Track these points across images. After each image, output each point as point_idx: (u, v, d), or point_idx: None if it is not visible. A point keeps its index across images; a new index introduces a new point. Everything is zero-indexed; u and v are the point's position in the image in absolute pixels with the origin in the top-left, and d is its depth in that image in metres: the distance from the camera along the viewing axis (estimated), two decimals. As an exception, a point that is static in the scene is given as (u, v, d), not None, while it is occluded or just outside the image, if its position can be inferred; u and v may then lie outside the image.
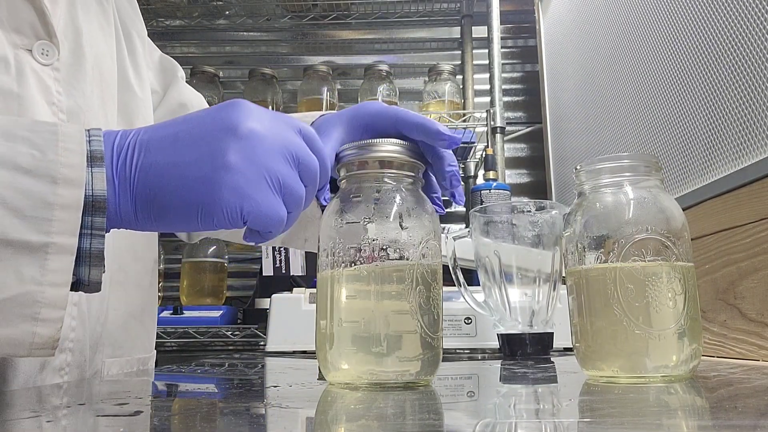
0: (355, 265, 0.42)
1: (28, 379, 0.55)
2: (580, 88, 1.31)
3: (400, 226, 0.42)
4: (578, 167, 0.50)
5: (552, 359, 0.71)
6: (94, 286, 0.41)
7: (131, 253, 0.68)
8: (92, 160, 0.39)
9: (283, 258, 1.41)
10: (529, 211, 0.75)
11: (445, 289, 0.90)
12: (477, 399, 0.44)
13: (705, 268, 0.72)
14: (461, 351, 0.85)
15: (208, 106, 0.75)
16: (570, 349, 0.54)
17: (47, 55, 0.55)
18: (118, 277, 0.66)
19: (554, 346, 0.75)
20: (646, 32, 0.96)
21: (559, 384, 0.50)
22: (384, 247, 0.42)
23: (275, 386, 0.50)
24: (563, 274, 0.66)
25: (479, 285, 0.79)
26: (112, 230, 0.42)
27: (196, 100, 0.80)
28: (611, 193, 0.48)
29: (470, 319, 0.85)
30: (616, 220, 0.46)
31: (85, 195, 0.38)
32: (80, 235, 0.39)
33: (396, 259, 0.42)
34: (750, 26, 0.68)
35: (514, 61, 1.78)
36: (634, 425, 0.29)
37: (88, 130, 0.41)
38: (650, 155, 0.49)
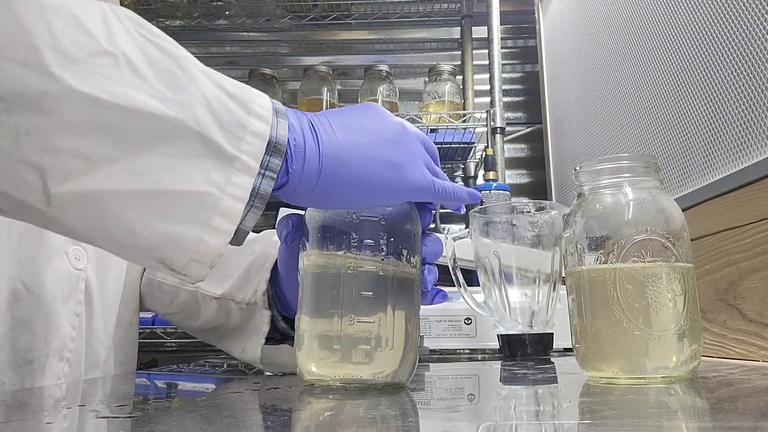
0: None
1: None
2: (580, 88, 1.31)
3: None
4: (578, 168, 0.50)
5: (552, 360, 0.71)
6: (241, 236, 0.41)
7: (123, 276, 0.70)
8: (277, 113, 0.42)
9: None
10: (529, 212, 0.75)
11: (446, 289, 0.91)
12: (477, 400, 0.44)
13: (705, 268, 0.72)
14: (461, 351, 0.85)
15: None
16: (570, 350, 0.54)
17: (79, 260, 0.61)
18: (116, 297, 0.68)
19: (554, 347, 0.75)
20: (646, 32, 0.96)
21: (559, 385, 0.50)
22: None
23: (276, 388, 0.50)
24: (563, 275, 0.66)
25: (479, 285, 0.79)
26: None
27: None
28: (611, 194, 0.48)
29: (470, 319, 0.85)
30: (615, 221, 0.46)
31: (270, 135, 0.40)
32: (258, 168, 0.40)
33: None
34: (750, 26, 0.68)
35: (514, 61, 1.78)
36: (634, 427, 0.29)
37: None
38: (650, 156, 0.49)
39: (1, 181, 0.36)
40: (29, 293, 0.57)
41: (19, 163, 0.35)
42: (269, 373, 0.62)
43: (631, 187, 0.47)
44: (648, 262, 0.44)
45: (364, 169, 0.42)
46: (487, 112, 1.50)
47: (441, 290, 0.52)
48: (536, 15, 1.67)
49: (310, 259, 0.45)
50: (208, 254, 0.39)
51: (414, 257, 0.46)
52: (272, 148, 0.40)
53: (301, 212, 0.48)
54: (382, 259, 0.44)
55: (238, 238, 0.40)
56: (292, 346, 0.57)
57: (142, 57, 0.38)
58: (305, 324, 0.44)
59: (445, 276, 0.89)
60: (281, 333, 0.61)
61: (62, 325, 0.59)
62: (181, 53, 0.40)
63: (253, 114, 0.40)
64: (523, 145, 1.74)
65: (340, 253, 0.44)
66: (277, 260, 0.59)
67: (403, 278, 0.45)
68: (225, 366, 0.75)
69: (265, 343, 0.60)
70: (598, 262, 0.46)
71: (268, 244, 0.63)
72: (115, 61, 0.37)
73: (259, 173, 0.40)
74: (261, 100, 0.41)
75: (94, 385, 0.56)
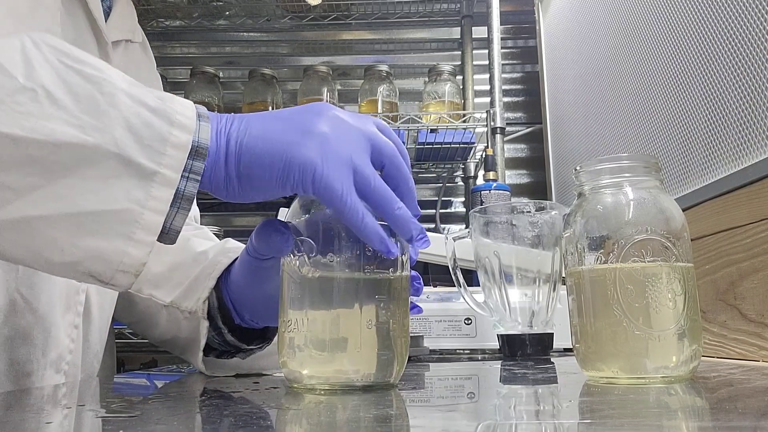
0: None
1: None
2: (580, 88, 1.31)
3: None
4: (578, 168, 0.50)
5: (552, 360, 0.71)
6: (173, 235, 0.43)
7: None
8: (200, 117, 0.43)
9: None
10: (529, 212, 0.75)
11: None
12: (477, 400, 0.44)
13: (705, 268, 0.72)
14: (461, 351, 0.85)
15: None
16: (570, 350, 0.54)
17: None
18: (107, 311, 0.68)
19: (554, 347, 0.75)
20: (646, 33, 0.96)
21: (559, 385, 0.50)
22: None
23: (275, 387, 0.50)
24: (563, 275, 0.66)
25: (479, 285, 0.79)
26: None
27: None
28: (611, 194, 0.48)
29: (470, 319, 0.85)
30: (615, 221, 0.46)
31: (192, 141, 0.42)
32: (180, 176, 0.42)
33: None
34: (750, 26, 0.68)
35: (514, 61, 1.78)
36: (634, 426, 0.29)
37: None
38: (650, 156, 0.49)
39: None
40: (27, 305, 0.57)
41: None
42: (267, 373, 0.62)
43: (631, 187, 0.47)
44: (648, 262, 0.44)
45: (259, 161, 0.43)
46: (487, 112, 1.50)
47: (417, 306, 0.54)
48: (536, 15, 1.67)
49: (301, 264, 0.44)
50: (132, 265, 0.41)
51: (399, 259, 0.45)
52: (194, 152, 0.42)
53: (281, 219, 0.47)
54: (370, 264, 0.44)
55: (169, 238, 0.43)
56: (243, 359, 0.59)
57: (62, 87, 0.40)
58: (292, 327, 0.44)
59: (445, 276, 0.89)
60: (231, 345, 0.59)
61: (61, 337, 0.59)
62: (103, 76, 0.42)
63: (176, 125, 0.42)
64: (523, 145, 1.74)
65: (329, 258, 0.43)
66: (229, 268, 0.59)
67: (386, 280, 0.44)
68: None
69: (219, 357, 0.60)
70: (599, 262, 0.46)
71: (218, 251, 0.63)
72: (34, 96, 0.40)
73: (183, 177, 0.42)
74: (184, 109, 0.43)
75: (93, 385, 0.56)
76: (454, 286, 0.78)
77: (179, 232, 0.43)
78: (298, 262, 0.44)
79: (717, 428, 0.29)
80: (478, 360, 0.77)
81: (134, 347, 1.37)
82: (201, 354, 0.59)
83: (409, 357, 0.72)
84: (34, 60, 0.41)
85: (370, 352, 0.43)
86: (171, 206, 0.42)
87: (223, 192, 0.44)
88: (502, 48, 1.59)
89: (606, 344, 0.45)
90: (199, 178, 0.43)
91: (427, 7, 1.73)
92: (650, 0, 0.94)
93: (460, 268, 0.78)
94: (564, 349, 0.80)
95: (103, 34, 0.64)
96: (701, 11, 0.79)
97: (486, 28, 1.59)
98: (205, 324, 0.58)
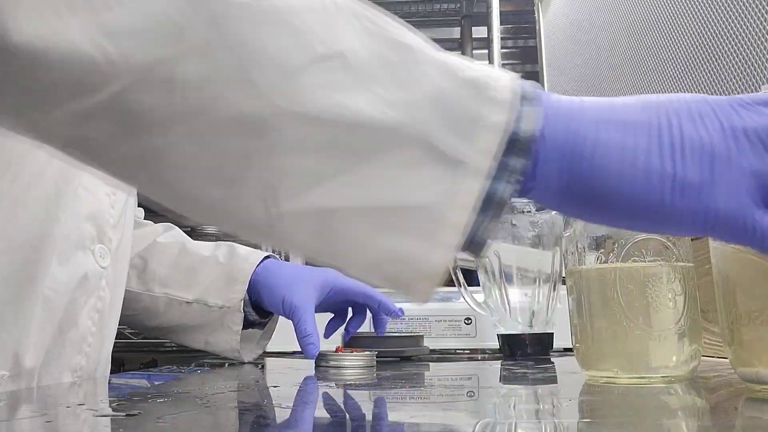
0: None
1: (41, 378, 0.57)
2: (580, 88, 1.31)
3: None
4: (578, 167, 0.50)
5: (552, 359, 0.71)
6: (477, 247, 0.34)
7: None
8: (525, 98, 0.34)
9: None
10: (529, 212, 0.75)
11: (445, 289, 0.91)
12: (477, 399, 0.44)
13: (705, 268, 0.72)
14: (461, 351, 0.85)
15: None
16: (570, 350, 0.54)
17: (103, 258, 0.62)
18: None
19: (554, 347, 0.75)
20: (646, 32, 0.96)
21: (559, 384, 0.50)
22: None
23: (275, 386, 0.50)
24: (563, 275, 0.65)
25: (479, 285, 0.79)
26: None
27: None
28: (611, 194, 0.48)
29: (470, 319, 0.85)
30: (616, 221, 0.46)
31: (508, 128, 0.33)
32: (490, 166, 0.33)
33: None
34: (750, 26, 0.68)
35: (514, 61, 1.78)
36: (634, 426, 0.29)
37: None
38: (650, 156, 0.49)
39: (225, 203, 0.35)
40: (53, 287, 0.58)
41: (241, 185, 0.34)
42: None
43: (631, 187, 0.47)
44: (648, 261, 0.44)
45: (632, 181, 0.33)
46: (487, 112, 1.49)
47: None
48: (536, 15, 1.67)
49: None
50: (431, 271, 0.34)
51: None
52: (513, 145, 0.33)
53: None
54: None
55: (474, 249, 0.35)
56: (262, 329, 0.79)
57: (365, 54, 0.34)
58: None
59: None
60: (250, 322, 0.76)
61: (82, 320, 0.60)
62: (409, 42, 0.36)
63: (489, 102, 0.33)
64: (523, 145, 1.74)
65: None
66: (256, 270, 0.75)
67: None
68: (226, 366, 0.75)
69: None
70: (599, 261, 0.46)
71: (230, 256, 0.77)
72: (332, 66, 0.34)
73: (497, 177, 0.33)
74: (501, 83, 0.34)
75: (93, 385, 0.57)
76: (454, 285, 0.78)
77: (488, 243, 0.35)
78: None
79: (717, 428, 0.29)
80: (478, 360, 0.77)
81: (134, 347, 1.37)
82: (237, 339, 0.74)
83: (409, 357, 0.72)
84: (334, 21, 0.34)
85: None
86: (479, 213, 0.33)
87: (556, 206, 0.36)
88: (502, 48, 1.59)
89: (606, 344, 0.45)
90: (519, 178, 0.33)
91: (427, 7, 1.73)
92: (650, 0, 0.94)
93: (460, 268, 0.78)
94: (564, 348, 0.80)
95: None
96: (701, 11, 0.79)
97: (486, 27, 1.59)
98: (241, 315, 0.73)
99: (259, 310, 0.76)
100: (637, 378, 0.44)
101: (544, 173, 0.34)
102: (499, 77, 0.34)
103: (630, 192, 0.33)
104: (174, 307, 0.75)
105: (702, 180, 0.32)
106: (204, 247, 0.79)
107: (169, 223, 0.83)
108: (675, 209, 0.32)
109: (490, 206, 0.33)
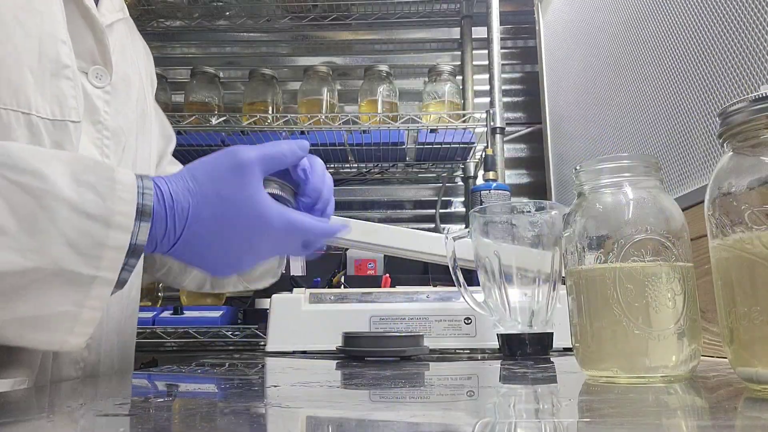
0: None
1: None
2: (580, 88, 1.32)
3: None
4: (578, 168, 0.50)
5: (552, 359, 0.71)
6: (122, 284, 0.50)
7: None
8: (142, 214, 0.48)
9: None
10: (529, 212, 0.75)
11: (445, 289, 0.91)
12: (477, 398, 0.44)
13: (704, 268, 0.72)
14: (461, 351, 0.85)
15: None
16: (570, 350, 0.54)
17: (100, 79, 0.62)
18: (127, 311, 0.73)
19: (554, 346, 0.75)
20: (646, 32, 0.96)
21: (559, 384, 0.50)
22: None
23: (275, 386, 0.50)
24: (563, 275, 0.66)
25: (479, 285, 0.79)
26: None
27: None
28: (611, 194, 0.48)
29: (470, 319, 0.85)
30: (615, 221, 0.47)
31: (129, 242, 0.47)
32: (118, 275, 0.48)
33: None
34: (750, 26, 0.68)
35: (514, 61, 1.78)
36: (633, 425, 0.29)
37: (141, 181, 0.49)
38: (650, 155, 0.49)
39: None
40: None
41: None
42: (257, 362, 0.64)
43: (631, 187, 0.47)
44: (648, 261, 0.44)
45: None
46: (486, 112, 1.50)
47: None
48: (536, 15, 1.67)
49: None
50: (73, 347, 0.48)
51: None
52: (131, 252, 0.48)
53: None
54: None
55: (120, 285, 0.49)
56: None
57: (3, 206, 0.43)
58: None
59: (445, 276, 0.89)
60: None
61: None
62: (45, 187, 0.45)
63: (114, 226, 0.47)
64: (522, 146, 1.74)
65: None
66: None
67: None
68: (226, 365, 0.75)
69: None
70: (598, 261, 0.46)
71: None
72: None
73: (122, 271, 0.48)
74: (124, 206, 0.47)
75: (94, 384, 0.57)
76: (454, 285, 0.78)
77: (127, 281, 0.50)
78: None
79: (716, 428, 0.29)
80: (477, 359, 0.77)
81: (134, 347, 1.37)
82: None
83: (409, 356, 0.72)
84: None
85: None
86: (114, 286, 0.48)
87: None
88: (501, 48, 1.59)
89: (606, 344, 0.45)
90: (134, 269, 0.50)
91: (427, 7, 1.73)
92: (650, 0, 0.94)
93: (460, 268, 0.78)
94: (564, 348, 0.80)
95: (97, 20, 0.63)
96: (701, 11, 0.79)
97: (486, 28, 1.59)
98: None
99: None
100: (637, 378, 0.44)
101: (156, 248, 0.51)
102: (120, 199, 0.47)
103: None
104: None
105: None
106: None
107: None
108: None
109: (115, 287, 0.48)
